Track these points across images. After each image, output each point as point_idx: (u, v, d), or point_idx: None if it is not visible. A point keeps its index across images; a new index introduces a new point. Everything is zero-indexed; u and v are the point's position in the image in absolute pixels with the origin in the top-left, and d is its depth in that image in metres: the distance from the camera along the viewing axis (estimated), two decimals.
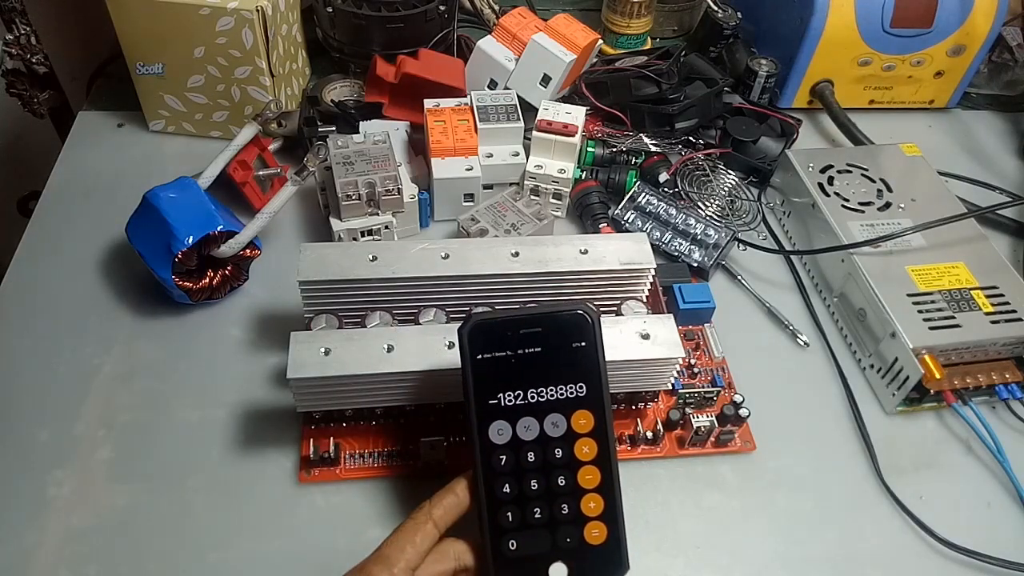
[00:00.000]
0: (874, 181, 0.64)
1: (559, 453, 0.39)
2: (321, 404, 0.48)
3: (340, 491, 0.49)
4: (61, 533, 0.46)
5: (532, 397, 0.39)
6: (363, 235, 0.60)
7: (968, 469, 0.52)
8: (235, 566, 0.45)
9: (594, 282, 0.51)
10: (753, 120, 0.72)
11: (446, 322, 0.50)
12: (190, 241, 0.53)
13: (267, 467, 0.49)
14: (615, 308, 0.51)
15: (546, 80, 0.69)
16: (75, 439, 0.50)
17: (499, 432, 0.38)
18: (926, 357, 0.52)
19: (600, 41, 0.73)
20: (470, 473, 0.40)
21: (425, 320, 0.50)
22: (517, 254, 0.50)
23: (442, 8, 0.72)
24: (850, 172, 0.64)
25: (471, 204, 0.64)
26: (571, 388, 0.39)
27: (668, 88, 0.70)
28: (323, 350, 0.45)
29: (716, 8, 0.77)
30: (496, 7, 0.80)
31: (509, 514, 0.38)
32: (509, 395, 0.39)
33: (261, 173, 0.64)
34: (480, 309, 0.50)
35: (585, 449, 0.39)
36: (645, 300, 0.52)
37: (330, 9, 0.71)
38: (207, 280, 0.56)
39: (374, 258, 0.49)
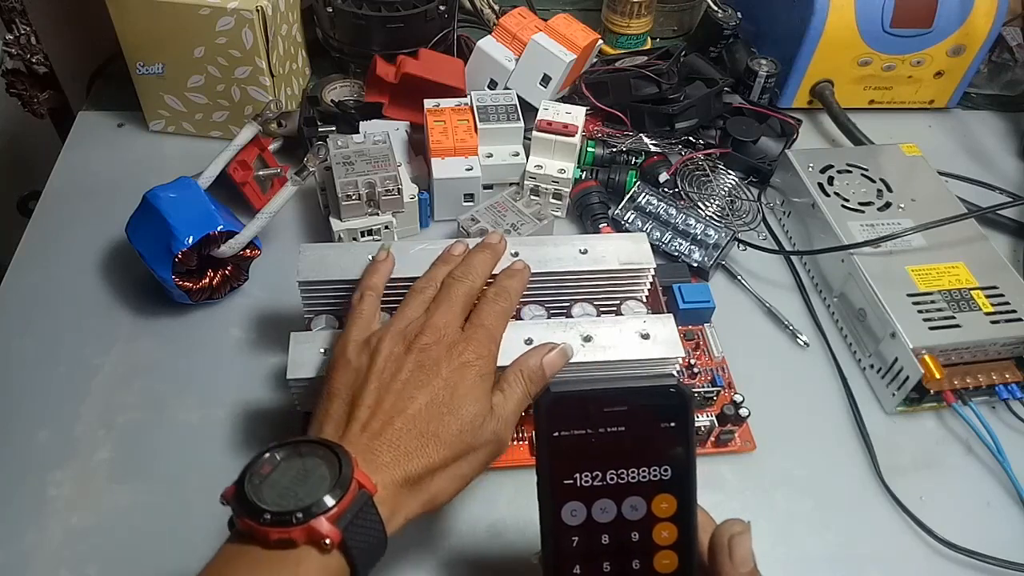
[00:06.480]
0: (874, 181, 0.64)
1: (635, 536, 0.35)
2: None
3: None
4: (61, 533, 0.46)
5: (611, 478, 0.35)
6: (363, 235, 0.60)
7: (968, 469, 0.52)
8: None
9: (594, 282, 0.51)
10: (753, 120, 0.72)
11: None
12: (190, 241, 0.53)
13: None
14: (615, 308, 0.51)
15: (546, 80, 0.69)
16: (75, 439, 0.50)
17: (572, 513, 0.35)
18: (926, 357, 0.52)
19: (600, 41, 0.73)
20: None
21: None
22: (517, 254, 0.50)
23: (442, 8, 0.72)
24: (850, 172, 0.64)
25: (471, 204, 0.64)
26: (655, 471, 0.35)
27: (668, 88, 0.70)
28: (323, 350, 0.45)
29: (716, 8, 0.77)
30: (496, 7, 0.80)
31: None
32: (586, 475, 0.35)
33: (261, 173, 0.64)
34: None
35: (664, 534, 0.35)
36: (645, 300, 0.52)
37: (330, 9, 0.71)
38: (207, 280, 0.56)
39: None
